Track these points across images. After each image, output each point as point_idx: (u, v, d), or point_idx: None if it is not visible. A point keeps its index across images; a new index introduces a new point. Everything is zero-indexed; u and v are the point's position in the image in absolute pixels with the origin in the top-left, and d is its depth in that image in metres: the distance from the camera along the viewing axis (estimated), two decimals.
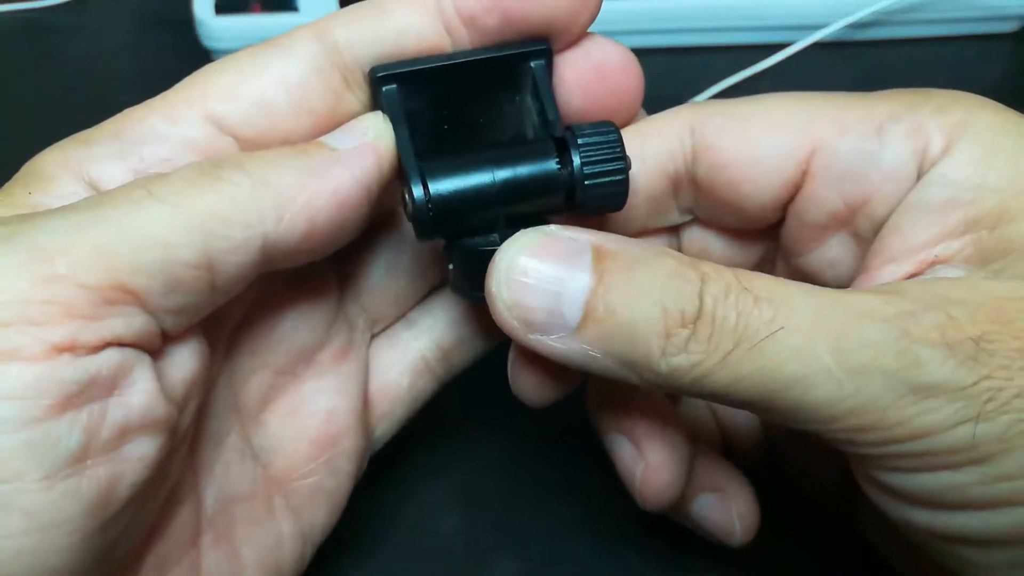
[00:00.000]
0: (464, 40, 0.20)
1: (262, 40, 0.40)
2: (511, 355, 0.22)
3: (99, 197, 0.18)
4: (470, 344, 0.25)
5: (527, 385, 0.22)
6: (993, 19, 0.44)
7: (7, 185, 0.19)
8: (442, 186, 0.19)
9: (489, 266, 0.18)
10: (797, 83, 0.42)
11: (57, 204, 0.18)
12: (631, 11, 0.42)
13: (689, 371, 0.18)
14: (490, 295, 0.19)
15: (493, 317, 0.19)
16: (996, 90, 0.41)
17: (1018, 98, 0.41)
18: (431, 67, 0.20)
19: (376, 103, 0.20)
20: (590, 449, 0.28)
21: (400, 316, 0.25)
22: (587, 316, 0.18)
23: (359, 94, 0.20)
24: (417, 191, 0.19)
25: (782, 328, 0.17)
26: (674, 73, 0.41)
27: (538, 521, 0.27)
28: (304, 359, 0.23)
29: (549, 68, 0.21)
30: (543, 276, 0.18)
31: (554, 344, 0.18)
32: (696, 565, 0.26)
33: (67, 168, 0.19)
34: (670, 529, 0.26)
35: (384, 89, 0.20)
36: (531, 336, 0.19)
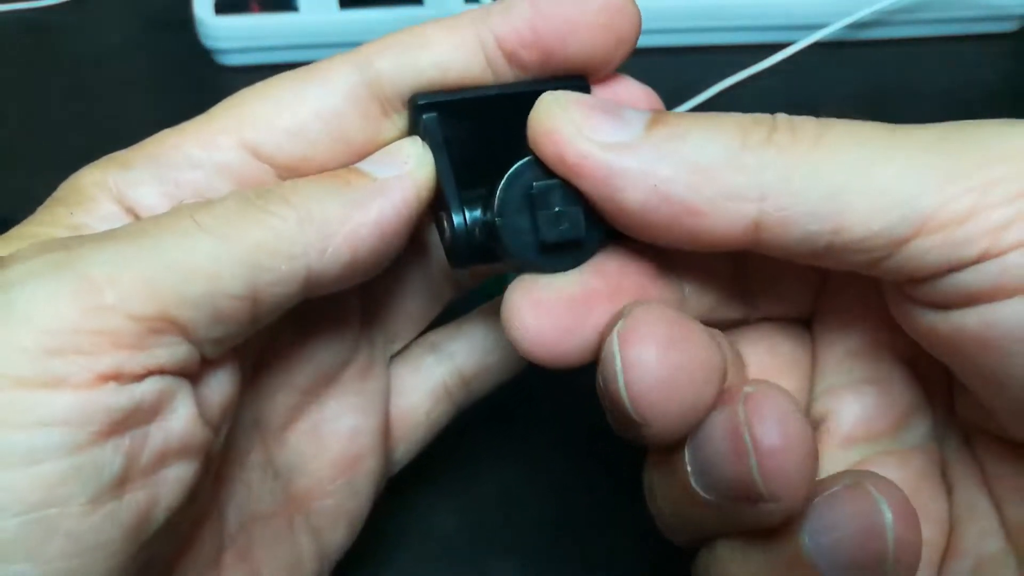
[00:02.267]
0: (505, 73, 0.20)
1: (261, 40, 0.40)
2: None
3: (146, 226, 0.18)
4: (491, 373, 0.25)
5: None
6: (993, 19, 0.44)
7: (47, 203, 0.19)
8: (481, 216, 0.19)
9: (537, 101, 0.18)
10: (797, 83, 0.42)
11: (98, 225, 0.19)
12: None
13: (776, 158, 0.16)
14: (539, 114, 0.18)
15: (539, 138, 0.18)
16: (996, 90, 0.42)
17: (1018, 98, 0.42)
18: (472, 98, 0.20)
19: (414, 129, 0.20)
20: (592, 451, 0.28)
21: (416, 335, 0.25)
22: (655, 117, 0.17)
23: (397, 122, 0.20)
24: (457, 219, 0.19)
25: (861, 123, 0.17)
26: (674, 73, 0.41)
27: (539, 522, 0.27)
28: (328, 378, 0.23)
29: None
30: (597, 99, 0.18)
31: (615, 157, 0.17)
32: None
33: (105, 189, 0.19)
34: None
35: (424, 117, 0.20)
36: (586, 146, 0.17)
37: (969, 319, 0.17)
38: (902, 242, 0.16)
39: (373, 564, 0.26)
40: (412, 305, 0.24)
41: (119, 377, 0.16)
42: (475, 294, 0.25)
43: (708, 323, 0.19)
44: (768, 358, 0.22)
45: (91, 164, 0.20)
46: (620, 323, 0.17)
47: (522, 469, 0.28)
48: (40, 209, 0.19)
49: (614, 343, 0.17)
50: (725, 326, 0.22)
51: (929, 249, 0.16)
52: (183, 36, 0.41)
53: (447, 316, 0.25)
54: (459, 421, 0.26)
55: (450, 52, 0.20)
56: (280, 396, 0.22)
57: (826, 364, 0.21)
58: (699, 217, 0.17)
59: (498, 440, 0.28)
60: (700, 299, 0.21)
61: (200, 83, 0.41)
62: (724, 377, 0.18)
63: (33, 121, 0.39)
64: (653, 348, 0.17)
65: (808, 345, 0.22)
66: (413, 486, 0.27)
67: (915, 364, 0.21)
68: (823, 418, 0.21)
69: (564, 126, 0.17)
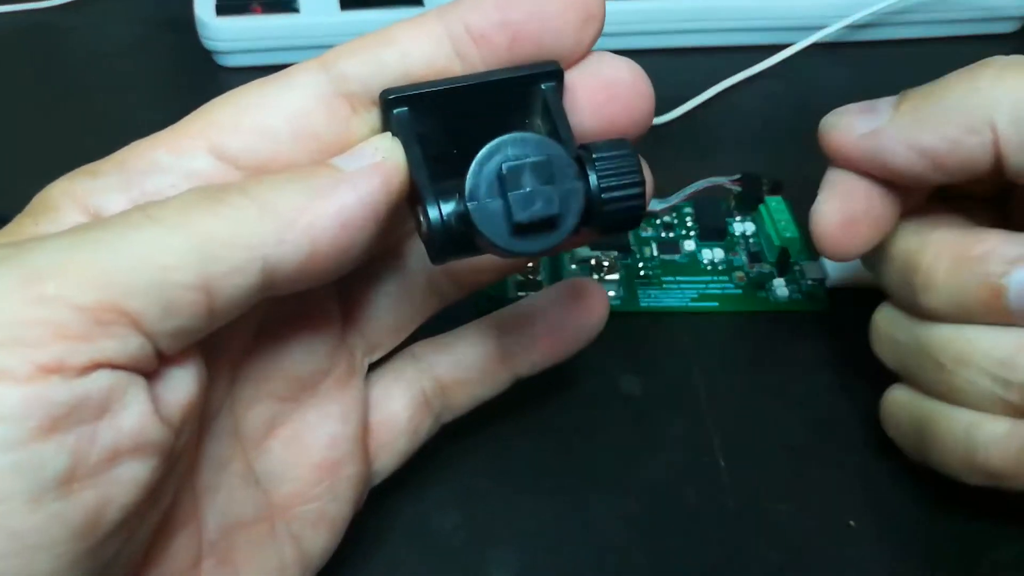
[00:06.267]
0: (475, 61, 0.20)
1: (262, 41, 0.40)
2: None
3: (97, 221, 0.18)
4: (471, 388, 0.25)
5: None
6: (993, 19, 0.44)
7: (17, 217, 0.19)
8: (456, 206, 0.19)
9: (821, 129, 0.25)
10: (796, 84, 0.42)
11: None
12: (631, 11, 0.42)
13: (1003, 96, 0.21)
14: (824, 133, 0.25)
15: (832, 153, 0.25)
16: None
17: None
18: (442, 89, 0.20)
19: (387, 126, 0.20)
20: (591, 445, 0.28)
21: (395, 345, 0.25)
22: (900, 99, 0.24)
23: (368, 120, 0.20)
24: (432, 212, 0.19)
25: None
26: (674, 73, 0.41)
27: (538, 517, 0.27)
28: (308, 387, 0.23)
29: (560, 89, 0.20)
30: (854, 105, 0.25)
31: (875, 139, 0.23)
32: (699, 561, 0.26)
33: (73, 198, 0.19)
34: (672, 526, 0.26)
35: (395, 112, 0.20)
36: (861, 139, 0.23)
37: None
38: None
39: (371, 562, 0.26)
40: (393, 315, 0.24)
41: (63, 370, 0.16)
42: (461, 307, 0.26)
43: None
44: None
45: (63, 176, 0.20)
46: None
47: (522, 468, 0.28)
48: (11, 223, 0.19)
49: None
50: None
51: None
52: (184, 37, 0.41)
53: (432, 330, 0.25)
54: (459, 420, 0.26)
55: (414, 43, 0.19)
56: (259, 405, 0.22)
57: None
58: (948, 158, 0.22)
59: (498, 437, 0.28)
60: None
61: (201, 84, 0.41)
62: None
63: (33, 121, 0.39)
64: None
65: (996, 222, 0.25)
66: (412, 484, 0.27)
67: None
68: None
69: (842, 137, 0.24)
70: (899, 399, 0.26)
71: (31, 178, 0.21)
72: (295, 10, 0.41)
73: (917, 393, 0.25)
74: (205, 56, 0.41)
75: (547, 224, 0.18)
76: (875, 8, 0.42)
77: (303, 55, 0.43)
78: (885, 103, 0.24)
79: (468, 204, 0.18)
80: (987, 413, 0.23)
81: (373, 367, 0.25)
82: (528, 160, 0.18)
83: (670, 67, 0.41)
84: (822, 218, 0.25)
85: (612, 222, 0.19)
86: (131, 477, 0.17)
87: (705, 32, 0.43)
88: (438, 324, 0.25)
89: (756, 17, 0.43)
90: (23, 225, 0.19)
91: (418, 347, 0.25)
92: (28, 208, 0.19)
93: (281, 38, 0.41)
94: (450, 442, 0.27)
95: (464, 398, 0.25)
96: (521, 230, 0.18)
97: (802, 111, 0.41)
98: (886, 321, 0.26)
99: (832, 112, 0.24)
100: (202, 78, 0.41)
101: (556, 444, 0.28)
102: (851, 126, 0.24)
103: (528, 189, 0.18)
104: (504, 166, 0.18)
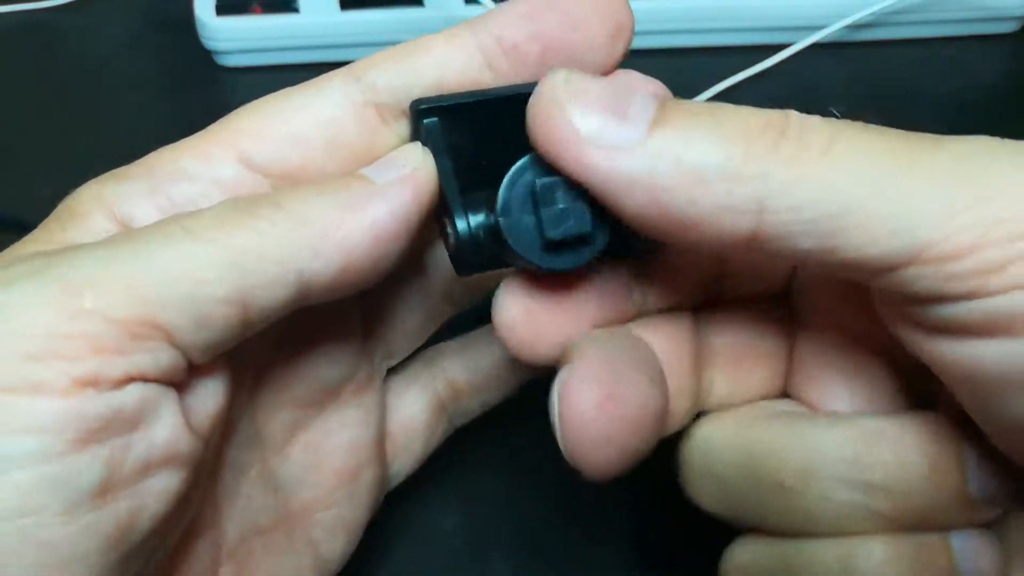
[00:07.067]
0: (506, 73, 0.20)
1: (262, 41, 0.40)
2: (560, 418, 0.18)
3: (132, 232, 0.18)
4: (481, 391, 0.25)
5: (591, 443, 0.18)
6: (993, 19, 0.44)
7: (45, 222, 0.19)
8: (485, 219, 0.19)
9: (539, 86, 0.17)
10: (796, 84, 0.42)
11: (91, 240, 0.18)
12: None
13: (779, 171, 0.16)
14: (538, 108, 0.17)
15: (537, 131, 0.17)
16: (996, 91, 0.42)
17: (1018, 98, 0.42)
18: (473, 100, 0.20)
19: (417, 136, 0.20)
20: None
21: (412, 350, 0.25)
22: (660, 115, 0.16)
23: (398, 130, 0.20)
24: (461, 224, 0.19)
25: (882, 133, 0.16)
26: (674, 73, 0.41)
27: (539, 518, 0.27)
28: (329, 394, 0.23)
29: None
30: (604, 87, 0.17)
31: (613, 162, 0.16)
32: (700, 561, 0.26)
33: (100, 204, 0.19)
34: (672, 525, 0.26)
35: (426, 122, 0.20)
36: (584, 148, 0.16)
37: (954, 348, 0.16)
38: (895, 268, 0.16)
39: (372, 563, 0.26)
40: (411, 321, 0.24)
41: (98, 384, 0.16)
42: (473, 313, 0.26)
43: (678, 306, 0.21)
44: (741, 341, 0.21)
45: (91, 180, 0.20)
46: (563, 370, 0.18)
47: (523, 468, 0.28)
48: (38, 227, 0.19)
49: (555, 394, 0.18)
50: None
51: (920, 277, 0.16)
52: (184, 37, 0.41)
53: (445, 334, 0.26)
54: None
55: (445, 55, 0.20)
56: (282, 412, 0.22)
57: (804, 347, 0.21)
58: (696, 227, 0.16)
59: (499, 439, 0.28)
60: (665, 297, 0.21)
61: (201, 84, 0.41)
62: (663, 417, 0.19)
63: (33, 121, 0.39)
64: (591, 406, 0.18)
65: (785, 324, 0.21)
66: (413, 485, 0.27)
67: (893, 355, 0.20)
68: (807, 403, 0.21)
69: (562, 125, 0.17)
70: (744, 560, 0.21)
71: (31, 178, 0.21)
72: (295, 10, 0.41)
73: (765, 540, 0.20)
74: (205, 56, 0.41)
75: (579, 241, 0.18)
76: (875, 8, 0.42)
77: (303, 55, 0.43)
78: (640, 107, 0.17)
79: (500, 219, 0.18)
80: (858, 536, 0.19)
81: (389, 372, 0.25)
82: (561, 176, 0.18)
83: (670, 67, 0.41)
84: (502, 314, 0.19)
85: (639, 243, 0.19)
86: (162, 488, 0.17)
87: (705, 32, 0.43)
88: (443, 326, 0.25)
89: (756, 17, 0.43)
90: (51, 231, 0.19)
91: (431, 352, 0.25)
92: (55, 213, 0.19)
93: (281, 38, 0.41)
94: (451, 443, 0.27)
95: (475, 402, 0.26)
96: (553, 247, 0.18)
97: (802, 111, 0.41)
98: (699, 451, 0.21)
99: (551, 88, 0.17)
100: (202, 78, 0.41)
101: (557, 444, 0.28)
102: (591, 131, 0.17)
103: (561, 206, 0.18)
104: (537, 182, 0.18)
